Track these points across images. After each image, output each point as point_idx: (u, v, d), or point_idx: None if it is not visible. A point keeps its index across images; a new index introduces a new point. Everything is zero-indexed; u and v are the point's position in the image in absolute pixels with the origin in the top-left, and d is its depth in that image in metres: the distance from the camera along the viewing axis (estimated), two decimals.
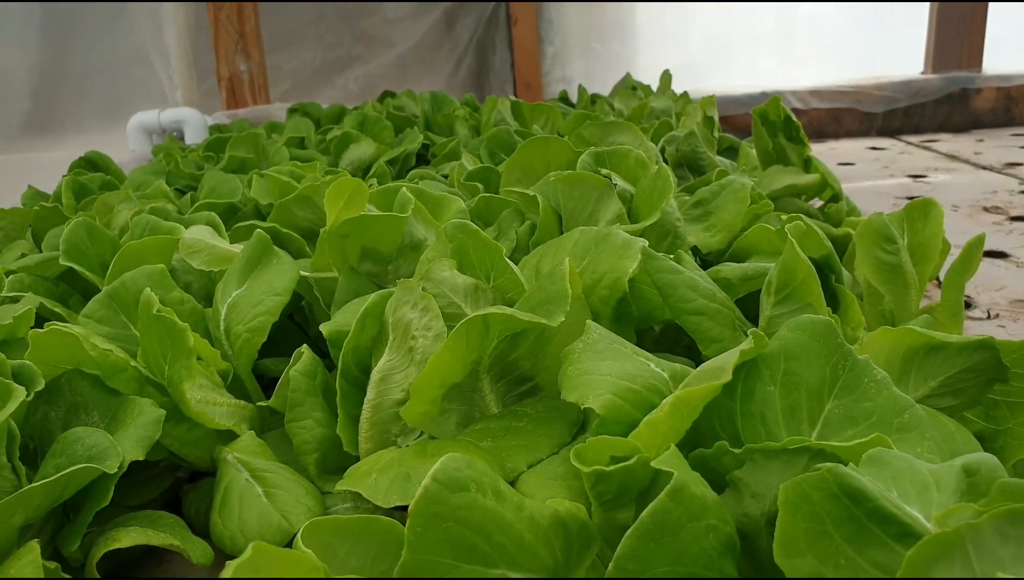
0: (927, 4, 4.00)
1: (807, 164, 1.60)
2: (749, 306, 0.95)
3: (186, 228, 1.25)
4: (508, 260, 0.88)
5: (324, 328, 0.91)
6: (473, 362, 0.76)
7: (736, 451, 0.56)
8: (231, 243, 1.22)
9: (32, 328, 0.86)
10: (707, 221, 1.24)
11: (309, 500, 0.79)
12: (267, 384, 1.04)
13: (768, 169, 1.64)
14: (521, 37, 3.94)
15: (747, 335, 0.64)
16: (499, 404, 0.80)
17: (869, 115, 3.76)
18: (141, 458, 0.74)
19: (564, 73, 4.06)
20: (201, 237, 1.18)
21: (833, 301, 0.88)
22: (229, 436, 0.88)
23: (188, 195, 1.84)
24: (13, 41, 3.67)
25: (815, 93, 3.76)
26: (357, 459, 0.80)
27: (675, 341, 1.02)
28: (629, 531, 0.48)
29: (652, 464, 0.53)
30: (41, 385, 0.76)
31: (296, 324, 1.22)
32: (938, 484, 0.48)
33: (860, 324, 0.87)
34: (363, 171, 2.06)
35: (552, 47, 4.06)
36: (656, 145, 1.76)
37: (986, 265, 1.63)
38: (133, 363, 0.85)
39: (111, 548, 0.71)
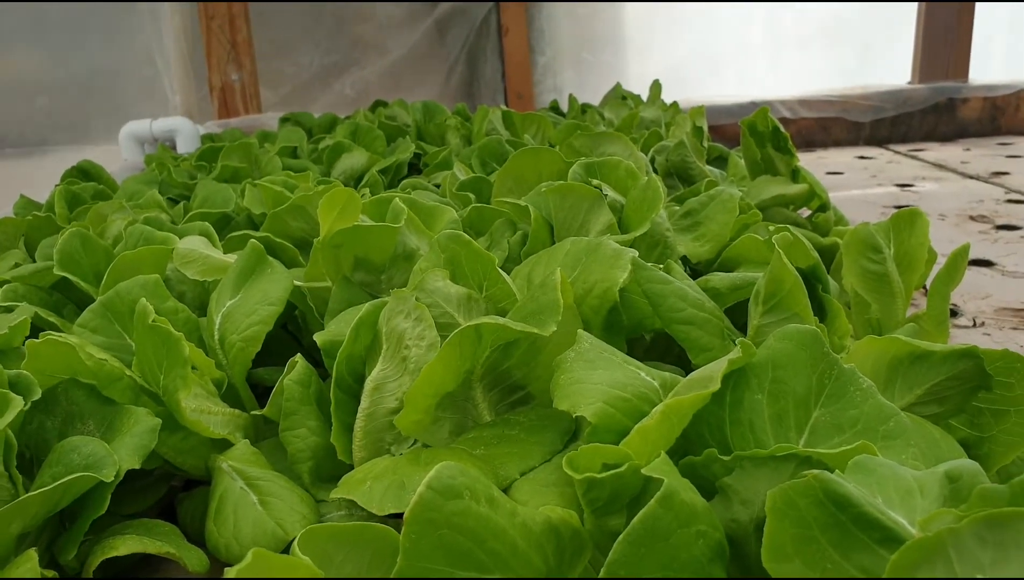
0: (914, 14, 4.03)
1: (795, 174, 1.61)
2: (738, 315, 0.96)
3: (180, 238, 1.26)
4: (500, 270, 0.89)
5: (318, 337, 0.92)
6: (466, 371, 0.77)
7: (725, 458, 0.57)
8: (225, 253, 1.23)
9: (27, 338, 0.87)
10: (696, 231, 1.25)
11: (304, 508, 0.79)
12: (261, 393, 1.05)
13: (757, 179, 1.65)
14: (512, 47, 3.96)
15: (736, 344, 0.66)
16: (492, 412, 0.81)
17: (857, 125, 3.78)
18: (137, 467, 0.75)
19: (555, 83, 4.09)
20: (195, 247, 1.19)
21: (820, 310, 0.89)
22: (224, 445, 0.88)
23: (181, 205, 1.84)
24: (20, 47, 3.68)
25: (804, 103, 3.78)
26: (351, 467, 0.81)
27: (666, 350, 1.03)
28: (620, 537, 0.49)
29: (643, 471, 0.54)
30: (38, 395, 0.77)
31: (290, 334, 1.22)
32: (922, 490, 0.49)
33: (847, 333, 0.88)
34: (355, 180, 2.07)
35: (543, 57, 4.08)
36: (646, 155, 1.77)
37: (972, 274, 1.65)
38: (128, 373, 0.86)
39: (108, 556, 0.71)
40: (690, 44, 4.24)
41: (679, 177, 1.80)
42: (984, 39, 4.02)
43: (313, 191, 1.35)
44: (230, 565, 0.44)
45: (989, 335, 1.33)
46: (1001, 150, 3.40)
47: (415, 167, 2.35)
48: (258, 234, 1.27)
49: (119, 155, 3.32)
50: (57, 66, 3.76)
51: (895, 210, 1.09)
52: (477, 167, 1.82)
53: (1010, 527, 0.39)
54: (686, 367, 0.85)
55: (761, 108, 1.68)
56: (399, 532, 0.50)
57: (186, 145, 3.20)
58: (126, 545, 0.72)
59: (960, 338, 1.32)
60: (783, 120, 3.70)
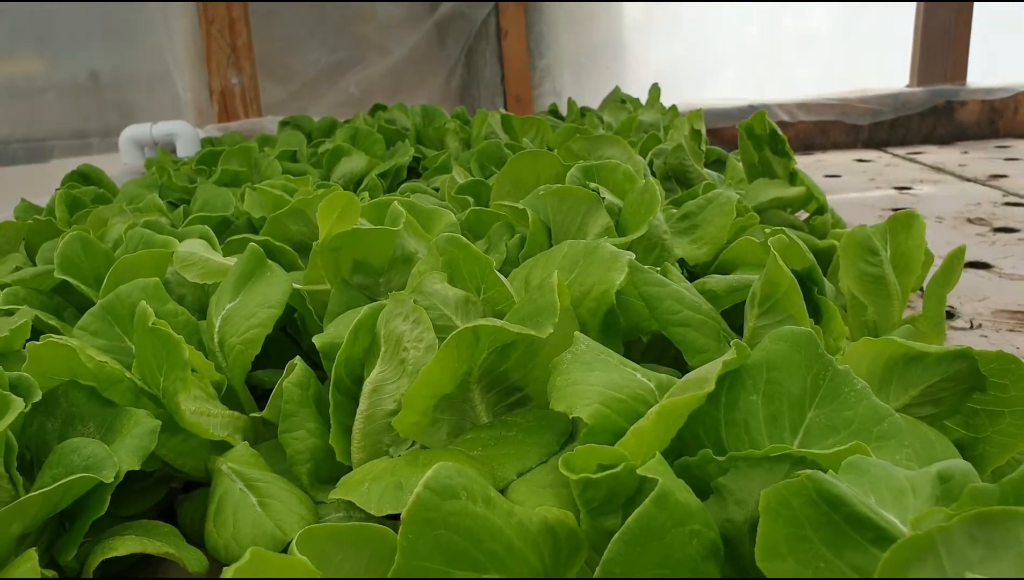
0: (912, 17, 4.04)
1: (792, 177, 1.62)
2: (735, 317, 0.97)
3: (180, 241, 1.26)
4: (498, 273, 0.90)
5: (317, 340, 0.92)
6: (464, 373, 0.78)
7: (720, 459, 0.58)
8: (224, 256, 1.24)
9: (28, 341, 0.87)
10: (694, 234, 1.25)
11: (302, 509, 0.80)
12: (260, 396, 1.06)
13: (754, 182, 1.66)
14: (511, 50, 3.97)
15: (731, 346, 0.66)
16: (490, 414, 0.82)
17: (855, 128, 3.79)
18: (137, 468, 0.75)
19: (554, 86, 4.09)
20: (195, 250, 1.20)
21: (816, 313, 0.90)
22: (223, 447, 0.89)
23: (181, 208, 1.85)
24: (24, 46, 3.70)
25: (802, 106, 3.79)
26: (350, 469, 0.82)
27: (662, 352, 1.03)
28: (616, 536, 0.50)
29: (638, 472, 0.55)
30: (38, 396, 0.78)
31: (289, 336, 1.23)
32: (914, 490, 0.50)
33: (842, 335, 0.89)
34: (355, 184, 2.08)
35: (542, 60, 4.09)
36: (644, 158, 1.78)
37: (969, 276, 1.65)
38: (129, 375, 0.87)
39: (107, 556, 0.72)
40: (689, 47, 4.25)
41: (677, 180, 1.80)
42: (982, 42, 4.02)
43: (312, 195, 1.36)
44: (229, 566, 0.44)
45: (986, 337, 1.34)
46: (999, 153, 3.41)
47: (414, 171, 2.36)
48: (258, 238, 1.27)
49: (120, 159, 3.33)
50: (64, 67, 3.77)
51: (893, 213, 1.09)
52: (476, 171, 1.83)
53: (1000, 526, 0.40)
54: (683, 369, 0.85)
55: (759, 111, 1.69)
56: (397, 533, 0.51)
57: (186, 149, 3.21)
58: (125, 546, 0.73)
59: (957, 340, 1.32)
60: (781, 123, 3.71)
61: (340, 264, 1.07)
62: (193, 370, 0.89)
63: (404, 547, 0.50)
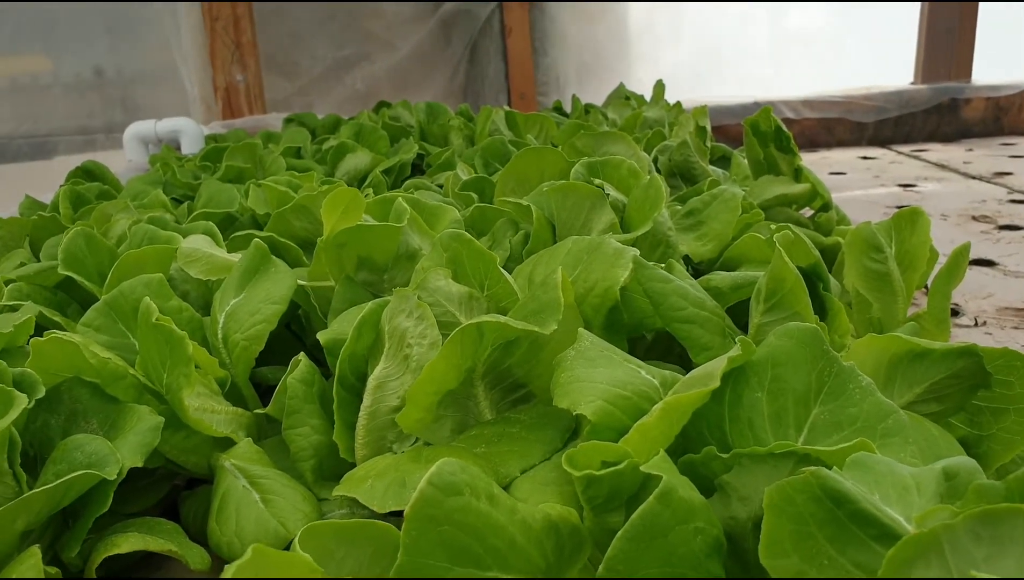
0: (917, 15, 4.03)
1: (797, 174, 1.61)
2: (740, 314, 0.96)
3: (184, 238, 1.26)
4: (502, 269, 0.89)
5: (321, 336, 0.92)
6: (467, 369, 0.77)
7: (724, 456, 0.58)
8: (229, 252, 1.24)
9: (31, 337, 0.87)
10: (699, 230, 1.25)
11: (306, 506, 0.80)
12: (265, 392, 1.06)
13: (759, 179, 1.65)
14: (515, 47, 3.96)
15: (736, 342, 0.66)
16: (493, 411, 0.82)
17: (860, 125, 3.79)
18: (140, 465, 0.75)
19: (558, 84, 4.09)
20: (199, 246, 1.20)
21: (821, 309, 0.89)
22: (227, 443, 0.89)
23: (185, 205, 1.85)
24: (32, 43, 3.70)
25: (807, 103, 3.78)
26: (353, 465, 0.82)
27: (667, 349, 1.03)
28: (619, 533, 0.49)
29: (641, 469, 0.54)
30: (42, 393, 0.78)
31: (293, 333, 1.23)
32: (918, 487, 0.50)
33: (847, 331, 0.88)
34: (359, 181, 2.08)
35: (546, 57, 4.08)
36: (649, 155, 1.77)
37: (974, 273, 1.65)
38: (132, 371, 0.86)
39: (110, 553, 0.72)
40: (694, 44, 4.25)
41: (682, 177, 1.80)
42: (987, 39, 4.01)
43: (317, 191, 1.36)
44: (231, 563, 0.44)
45: (991, 334, 1.33)
46: (1004, 150, 3.40)
47: (418, 168, 2.35)
48: (262, 234, 1.27)
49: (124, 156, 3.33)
50: (69, 63, 3.78)
51: (897, 210, 1.09)
52: (480, 167, 1.83)
53: (1005, 523, 0.40)
54: (687, 366, 0.85)
55: (764, 108, 1.68)
56: (400, 530, 0.50)
57: (190, 146, 3.21)
58: (128, 543, 0.73)
59: (962, 337, 1.32)
60: (787, 120, 3.70)
61: (344, 260, 1.07)
62: (197, 366, 0.89)
63: (407, 544, 0.50)
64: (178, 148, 3.24)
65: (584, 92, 3.51)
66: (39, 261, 1.45)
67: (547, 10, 4.04)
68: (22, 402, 0.72)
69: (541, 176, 1.33)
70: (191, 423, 0.85)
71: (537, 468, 0.72)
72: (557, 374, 0.71)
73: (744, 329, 0.91)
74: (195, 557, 0.76)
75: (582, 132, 1.67)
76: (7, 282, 1.24)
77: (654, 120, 2.45)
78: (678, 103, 2.66)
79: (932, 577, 0.40)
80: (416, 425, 0.78)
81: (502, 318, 0.74)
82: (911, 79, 4.08)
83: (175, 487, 0.97)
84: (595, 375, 0.69)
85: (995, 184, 2.64)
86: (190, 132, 3.23)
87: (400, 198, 1.14)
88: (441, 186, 1.83)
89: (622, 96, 3.12)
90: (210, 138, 3.07)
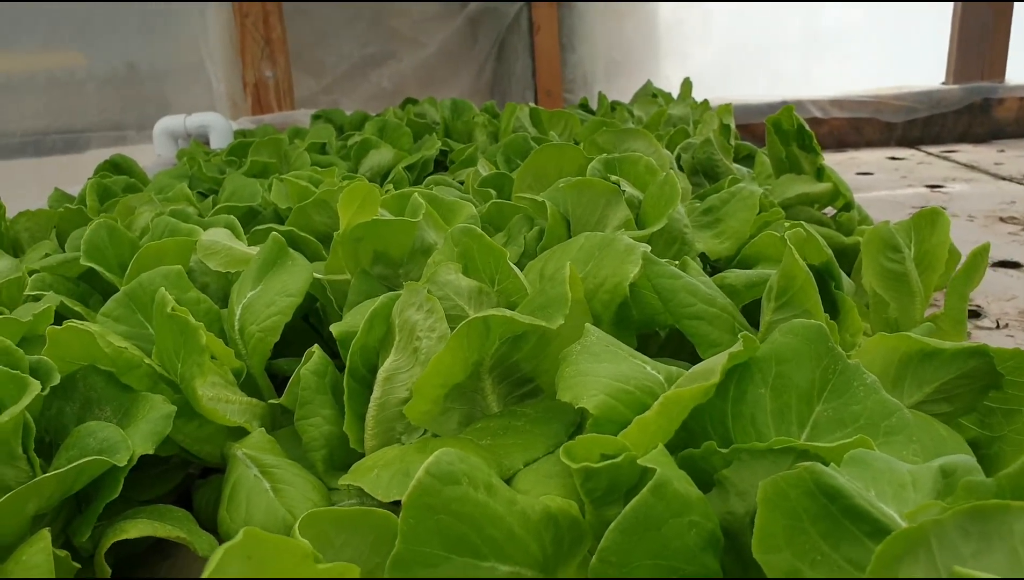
0: (949, 14, 3.98)
1: (820, 173, 1.60)
2: (755, 313, 0.96)
3: (205, 230, 1.27)
4: (511, 264, 0.90)
5: (334, 328, 0.93)
6: (474, 363, 0.78)
7: (724, 451, 0.58)
8: (249, 246, 1.25)
9: (51, 326, 0.88)
10: (716, 228, 1.25)
11: (315, 495, 0.80)
12: (281, 383, 1.06)
13: (781, 177, 1.64)
14: (543, 44, 3.96)
15: (740, 339, 0.66)
16: (500, 404, 0.82)
17: (889, 125, 3.75)
18: (151, 452, 0.76)
19: (585, 80, 4.08)
20: (218, 239, 1.21)
21: (832, 307, 0.89)
22: (240, 433, 0.90)
23: (210, 198, 1.87)
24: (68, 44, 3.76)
25: (836, 103, 3.75)
26: (363, 456, 0.82)
27: (679, 346, 1.02)
28: (612, 525, 0.50)
29: (639, 462, 0.54)
30: (57, 380, 0.79)
31: (310, 325, 1.24)
32: (915, 484, 0.49)
33: (859, 330, 0.88)
34: (382, 177, 2.09)
35: (574, 54, 4.08)
36: (672, 152, 1.77)
37: (998, 275, 1.63)
38: (147, 360, 0.88)
39: (119, 539, 0.73)
40: (723, 43, 4.23)
41: (705, 175, 1.79)
42: (1022, 39, 3.96)
43: (337, 186, 1.37)
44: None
45: (1012, 337, 1.32)
46: None
47: (442, 164, 2.36)
48: (282, 228, 1.28)
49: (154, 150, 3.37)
50: (102, 59, 3.82)
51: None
52: (502, 164, 1.83)
53: (994, 519, 0.40)
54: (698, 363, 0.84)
55: (786, 106, 1.67)
56: None
57: (219, 141, 3.24)
58: (137, 528, 0.74)
59: (982, 339, 1.30)
60: (815, 120, 3.67)
61: (360, 254, 1.08)
62: (212, 357, 0.90)
63: (404, 532, 0.50)
64: (207, 143, 3.27)
65: (612, 89, 3.49)
66: (64, 252, 1.47)
67: (575, 7, 4.04)
68: (36, 388, 0.74)
69: (559, 172, 1.33)
70: (204, 412, 0.86)
71: (541, 461, 0.72)
72: (562, 368, 0.71)
73: (758, 327, 0.91)
74: (204, 544, 0.77)
75: (604, 129, 1.67)
76: (31, 272, 1.26)
77: (679, 118, 2.44)
78: (704, 101, 2.65)
79: (920, 573, 0.40)
80: (423, 417, 0.78)
81: (508, 312, 0.74)
82: (943, 79, 4.03)
83: (189, 476, 0.98)
84: (599, 370, 0.69)
85: None
86: (219, 127, 3.26)
87: (416, 193, 1.15)
88: (462, 182, 1.83)
89: (649, 93, 3.11)
90: (239, 133, 3.10)
